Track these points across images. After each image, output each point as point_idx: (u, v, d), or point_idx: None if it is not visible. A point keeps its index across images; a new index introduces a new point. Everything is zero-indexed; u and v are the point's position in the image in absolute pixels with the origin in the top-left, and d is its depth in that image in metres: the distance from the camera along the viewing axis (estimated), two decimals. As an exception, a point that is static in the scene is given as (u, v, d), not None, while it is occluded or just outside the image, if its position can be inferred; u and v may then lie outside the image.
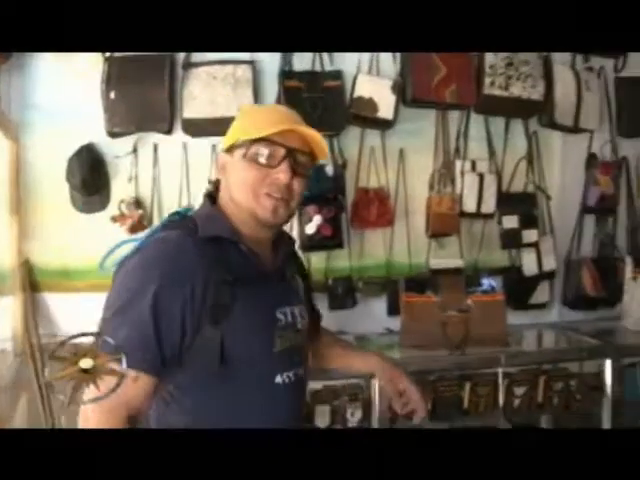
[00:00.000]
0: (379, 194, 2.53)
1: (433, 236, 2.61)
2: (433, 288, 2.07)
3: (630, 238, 2.89)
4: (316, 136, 1.19)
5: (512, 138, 2.71)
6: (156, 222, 2.43)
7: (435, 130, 2.62)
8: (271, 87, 2.47)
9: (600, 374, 2.11)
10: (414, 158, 2.60)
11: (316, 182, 2.31)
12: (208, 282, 1.09)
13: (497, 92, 2.57)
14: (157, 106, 2.36)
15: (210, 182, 1.31)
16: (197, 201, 2.40)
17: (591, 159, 2.80)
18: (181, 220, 1.21)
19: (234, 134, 1.21)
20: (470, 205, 2.61)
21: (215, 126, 2.40)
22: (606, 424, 2.08)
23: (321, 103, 2.45)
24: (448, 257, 2.64)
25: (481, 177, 2.62)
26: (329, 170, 2.40)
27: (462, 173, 2.61)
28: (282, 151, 1.16)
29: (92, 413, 1.05)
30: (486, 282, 2.11)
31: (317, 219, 2.37)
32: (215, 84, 2.40)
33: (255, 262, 1.19)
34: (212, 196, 1.27)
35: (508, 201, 2.68)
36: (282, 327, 1.20)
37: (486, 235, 2.70)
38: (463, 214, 2.61)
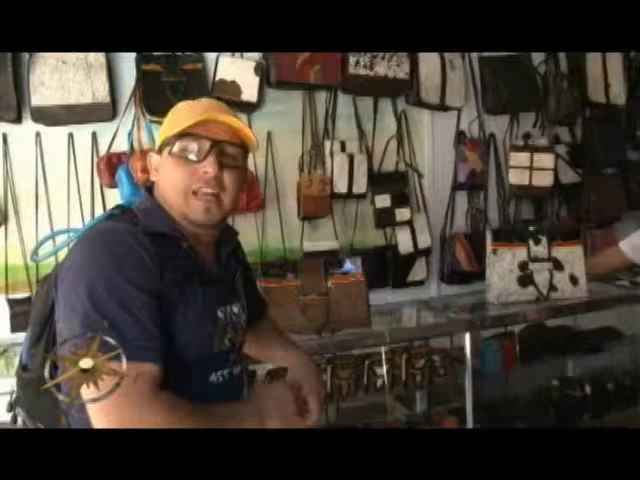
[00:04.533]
0: (248, 178, 2.48)
1: (305, 219, 2.59)
2: (293, 272, 2.05)
3: (501, 212, 2.98)
4: (239, 125, 1.14)
5: (381, 117, 2.73)
6: (12, 219, 2.31)
7: (302, 111, 2.59)
8: (128, 71, 2.37)
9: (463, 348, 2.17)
10: (282, 140, 2.57)
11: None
12: (160, 279, 1.04)
13: (362, 72, 2.57)
14: (1, 93, 2.21)
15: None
16: (56, 194, 2.35)
17: (460, 136, 2.86)
18: (123, 213, 1.15)
19: (162, 133, 1.17)
20: (341, 186, 2.61)
21: (69, 114, 2.30)
22: (469, 396, 2.13)
23: (182, 87, 2.38)
24: (323, 239, 2.64)
25: (351, 157, 2.61)
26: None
27: (332, 154, 2.60)
28: (207, 144, 1.11)
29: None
30: (347, 264, 2.11)
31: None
32: (65, 69, 2.27)
33: (197, 261, 1.14)
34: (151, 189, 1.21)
35: (380, 180, 2.70)
36: (222, 326, 1.17)
37: (360, 215, 2.71)
38: (335, 195, 2.61)
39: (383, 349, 2.13)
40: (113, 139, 2.35)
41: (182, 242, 1.12)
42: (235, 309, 1.23)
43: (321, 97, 2.62)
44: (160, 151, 1.17)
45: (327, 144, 2.61)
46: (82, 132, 2.35)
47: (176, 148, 1.12)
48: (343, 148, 2.64)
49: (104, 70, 2.30)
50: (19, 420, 1.18)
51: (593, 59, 2.97)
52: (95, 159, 2.36)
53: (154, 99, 2.33)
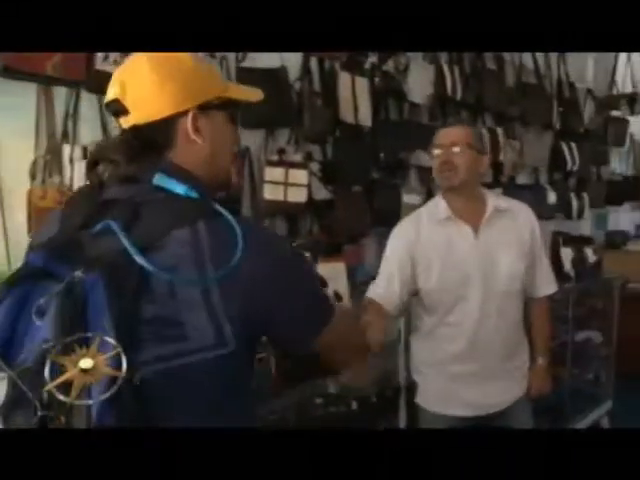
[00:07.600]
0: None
1: (37, 236, 2.20)
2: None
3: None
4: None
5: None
6: None
7: (37, 108, 2.20)
8: None
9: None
10: (10, 141, 2.14)
11: None
12: None
13: (111, 68, 2.27)
14: None
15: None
16: None
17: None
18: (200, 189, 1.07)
19: (207, 90, 1.08)
20: (85, 197, 2.27)
21: None
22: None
23: None
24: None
25: (95, 165, 2.29)
26: None
27: (72, 160, 2.24)
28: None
29: None
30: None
31: None
32: None
33: None
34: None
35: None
36: None
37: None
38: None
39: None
40: None
41: None
42: None
43: (60, 92, 2.25)
44: (202, 109, 1.07)
45: (66, 149, 2.25)
46: None
47: (233, 112, 1.12)
48: (85, 154, 2.30)
49: None
50: None
51: (343, 82, 3.06)
52: None
53: None
